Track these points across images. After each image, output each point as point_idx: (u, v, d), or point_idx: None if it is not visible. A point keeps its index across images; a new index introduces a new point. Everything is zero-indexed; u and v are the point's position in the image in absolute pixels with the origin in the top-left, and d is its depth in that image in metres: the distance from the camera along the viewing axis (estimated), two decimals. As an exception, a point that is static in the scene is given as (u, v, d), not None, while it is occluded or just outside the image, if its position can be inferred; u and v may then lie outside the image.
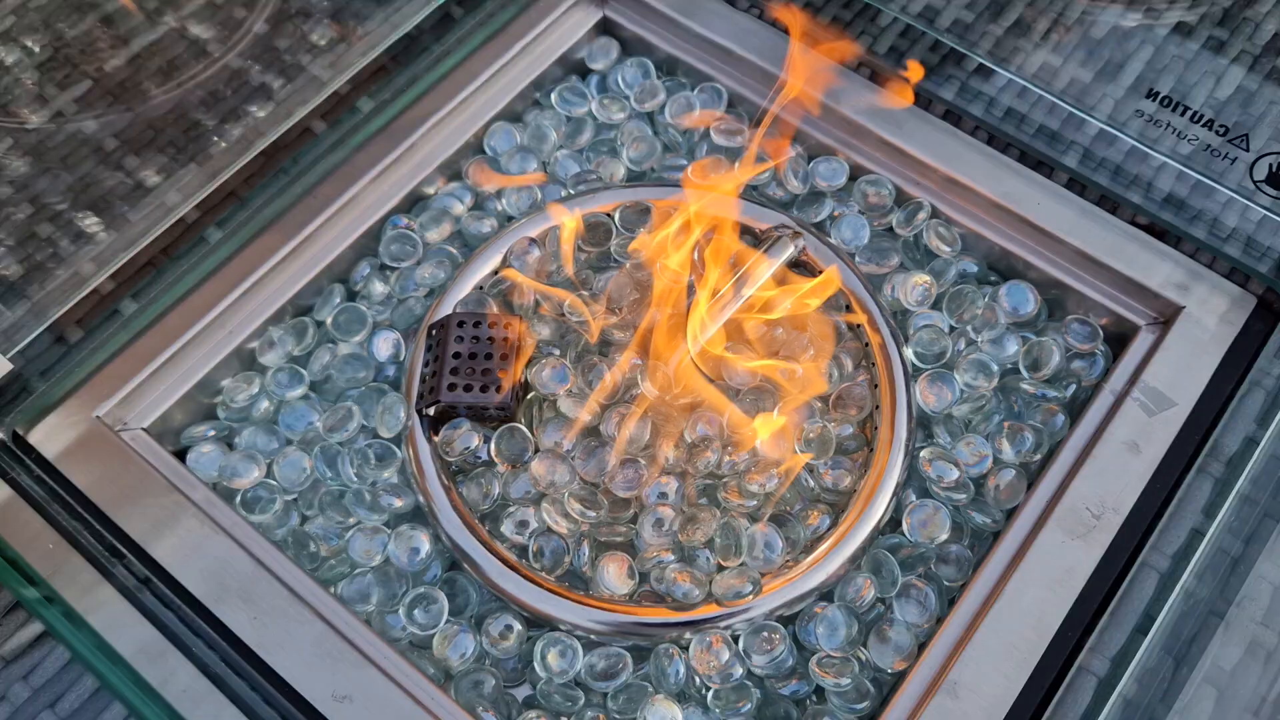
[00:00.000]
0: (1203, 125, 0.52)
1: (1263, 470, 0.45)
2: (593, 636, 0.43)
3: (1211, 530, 0.43)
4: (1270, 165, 0.51)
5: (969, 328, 0.50)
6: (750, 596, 0.42)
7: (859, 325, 0.48)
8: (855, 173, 0.54)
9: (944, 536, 0.45)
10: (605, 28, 0.58)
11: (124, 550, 0.43)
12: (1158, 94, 0.54)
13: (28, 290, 0.47)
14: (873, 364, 0.48)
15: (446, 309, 0.48)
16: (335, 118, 0.53)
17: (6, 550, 0.42)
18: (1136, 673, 0.41)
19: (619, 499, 0.45)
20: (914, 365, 0.49)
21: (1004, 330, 0.50)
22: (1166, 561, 0.43)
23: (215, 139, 0.52)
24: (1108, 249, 0.49)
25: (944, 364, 0.49)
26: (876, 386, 0.47)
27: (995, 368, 0.48)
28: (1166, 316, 0.48)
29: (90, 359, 0.46)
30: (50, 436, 0.45)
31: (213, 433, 0.48)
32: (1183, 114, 0.53)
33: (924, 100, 0.53)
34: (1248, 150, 0.51)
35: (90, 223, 0.50)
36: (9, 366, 0.44)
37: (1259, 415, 0.45)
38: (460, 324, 0.47)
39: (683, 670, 0.42)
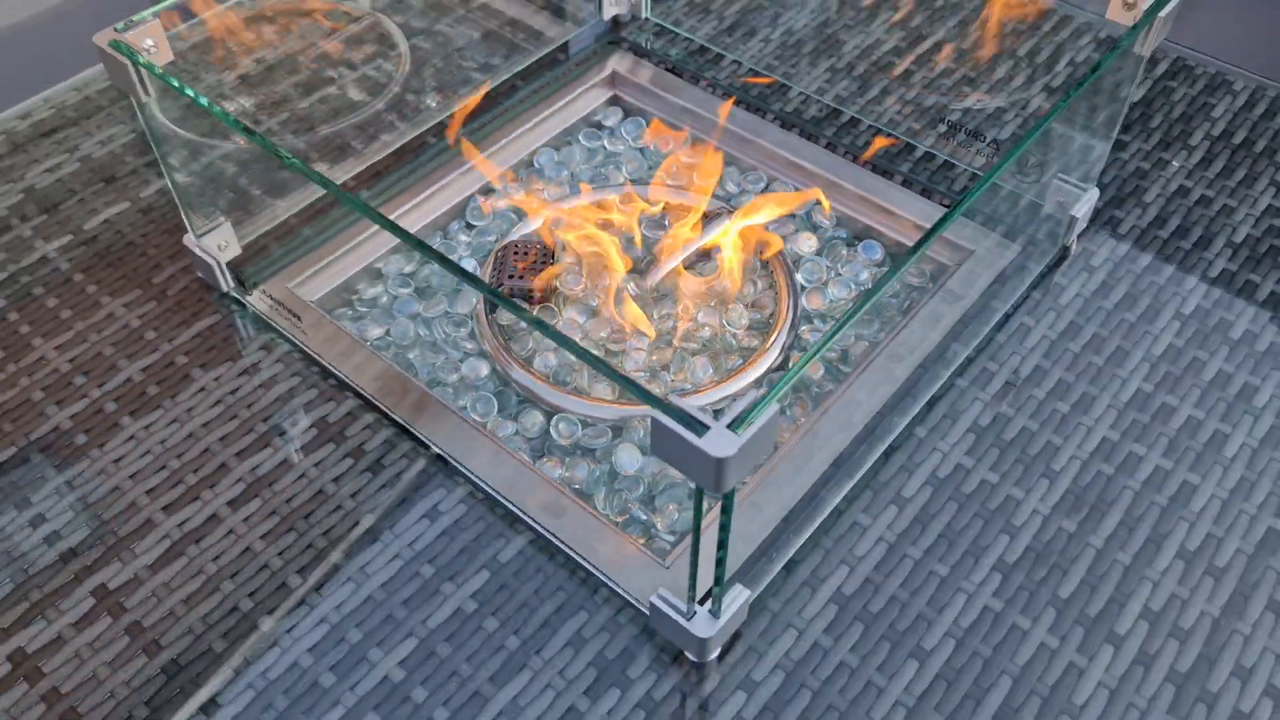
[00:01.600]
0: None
1: (1000, 343, 0.70)
2: (587, 418, 0.68)
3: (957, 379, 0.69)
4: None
5: (839, 265, 0.77)
6: (685, 394, 0.68)
7: (769, 260, 0.76)
8: (770, 179, 0.83)
9: (819, 375, 0.71)
10: (614, 100, 0.90)
11: (315, 357, 0.69)
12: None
13: (266, 204, 0.76)
14: (775, 282, 0.75)
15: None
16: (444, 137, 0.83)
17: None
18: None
19: (609, 350, 0.72)
20: (803, 285, 0.76)
21: (860, 266, 0.77)
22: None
23: (373, 143, 0.82)
24: (920, 227, 0.77)
25: (822, 284, 0.76)
26: (776, 294, 0.74)
27: (853, 287, 0.76)
28: (962, 259, 0.76)
29: (293, 252, 0.75)
30: (261, 297, 0.73)
31: (359, 309, 0.75)
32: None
33: (807, 134, 0.83)
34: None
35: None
36: (239, 251, 0.73)
37: (1014, 304, 0.72)
38: (515, 250, 0.76)
39: (642, 434, 0.68)
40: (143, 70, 0.60)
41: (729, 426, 0.42)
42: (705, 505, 0.47)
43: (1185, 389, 0.67)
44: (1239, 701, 0.54)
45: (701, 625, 0.53)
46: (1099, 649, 0.56)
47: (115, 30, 0.60)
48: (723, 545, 0.48)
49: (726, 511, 0.46)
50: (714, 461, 0.41)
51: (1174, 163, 0.81)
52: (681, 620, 0.53)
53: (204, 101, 0.59)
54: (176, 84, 0.59)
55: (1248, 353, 0.69)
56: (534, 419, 0.69)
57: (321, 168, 0.82)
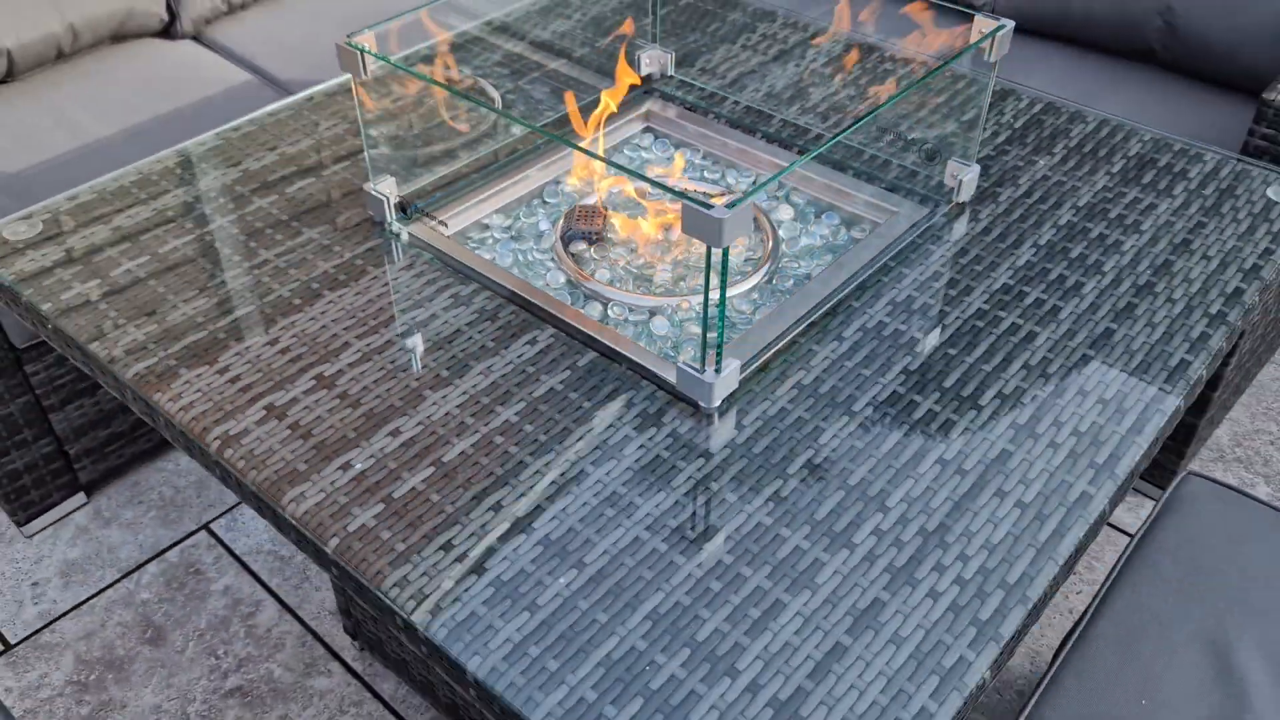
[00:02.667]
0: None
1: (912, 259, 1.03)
2: (630, 305, 1.00)
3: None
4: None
5: (807, 225, 1.11)
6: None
7: (759, 221, 1.10)
8: (756, 175, 1.18)
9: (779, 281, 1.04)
10: (648, 128, 1.26)
11: (447, 259, 1.02)
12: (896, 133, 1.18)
13: (417, 167, 1.11)
14: (765, 235, 1.09)
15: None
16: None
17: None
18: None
19: (644, 272, 1.05)
20: (782, 238, 1.10)
21: (823, 226, 1.11)
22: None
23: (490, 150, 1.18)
24: (866, 203, 1.11)
25: (795, 238, 1.10)
26: (764, 241, 1.08)
27: (818, 238, 1.09)
28: (889, 216, 1.09)
29: (435, 202, 1.09)
30: (417, 226, 1.06)
31: (475, 242, 1.09)
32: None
33: (786, 146, 1.18)
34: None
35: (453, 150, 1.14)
36: (398, 196, 1.07)
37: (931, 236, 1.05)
38: (579, 212, 1.10)
39: (668, 312, 1.00)
40: (364, 55, 0.95)
41: (726, 206, 0.75)
42: (713, 281, 0.80)
43: (1047, 281, 0.99)
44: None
45: (710, 378, 0.84)
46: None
47: (347, 38, 0.96)
48: (721, 300, 0.80)
49: (724, 266, 0.78)
50: (717, 223, 0.74)
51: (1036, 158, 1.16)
52: (697, 374, 0.84)
53: (405, 68, 0.94)
54: (386, 59, 0.95)
55: (1081, 265, 1.01)
56: (595, 308, 1.02)
57: (466, 152, 1.17)
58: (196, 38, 1.94)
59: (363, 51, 0.95)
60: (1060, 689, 0.95)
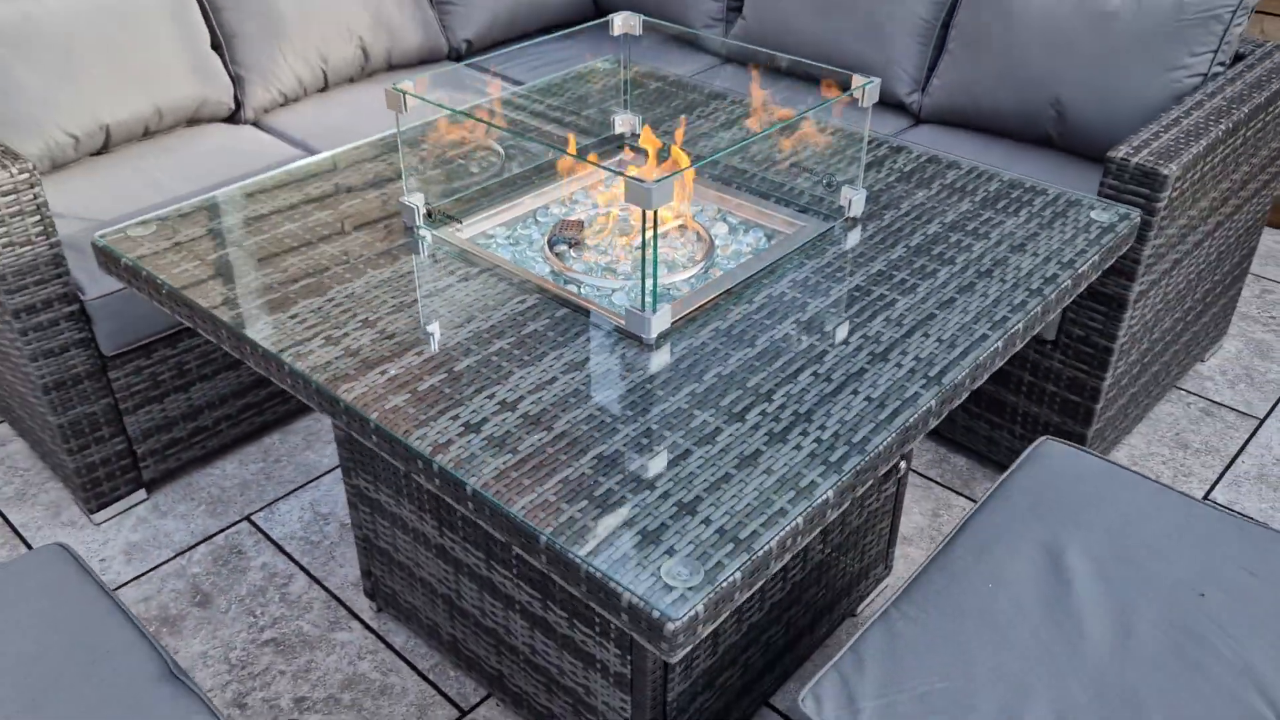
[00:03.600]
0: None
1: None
2: (597, 286, 1.33)
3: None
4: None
5: (738, 236, 1.44)
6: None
7: (698, 232, 1.43)
8: (702, 208, 1.52)
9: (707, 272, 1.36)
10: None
11: (474, 256, 1.36)
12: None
13: (445, 185, 1.45)
14: (703, 241, 1.42)
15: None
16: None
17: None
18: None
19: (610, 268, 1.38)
20: (717, 244, 1.42)
21: (749, 239, 1.44)
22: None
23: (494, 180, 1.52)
24: (783, 221, 1.45)
25: (727, 246, 1.43)
26: (704, 247, 1.41)
27: (745, 246, 1.42)
28: (795, 229, 1.42)
29: (474, 204, 1.42)
30: (441, 230, 1.40)
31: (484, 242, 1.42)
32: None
33: (726, 183, 1.52)
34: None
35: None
36: (425, 207, 1.40)
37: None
38: (565, 224, 1.43)
39: (625, 291, 1.32)
40: (404, 96, 1.31)
41: (655, 181, 1.08)
42: (647, 237, 1.12)
43: (912, 268, 1.32)
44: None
45: (648, 314, 1.16)
46: (839, 347, 1.18)
47: (394, 86, 1.32)
48: (655, 252, 1.13)
49: (655, 227, 1.11)
50: (648, 191, 1.07)
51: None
52: (638, 313, 1.16)
53: (431, 101, 1.29)
54: (421, 97, 1.30)
55: (940, 259, 1.34)
56: (572, 289, 1.34)
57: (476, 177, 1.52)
58: (256, 123, 2.33)
59: (404, 94, 1.31)
60: (927, 578, 1.23)
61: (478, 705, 1.58)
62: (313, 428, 2.14)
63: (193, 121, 2.24)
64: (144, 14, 2.10)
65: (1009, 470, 1.39)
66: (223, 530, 1.91)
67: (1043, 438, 1.45)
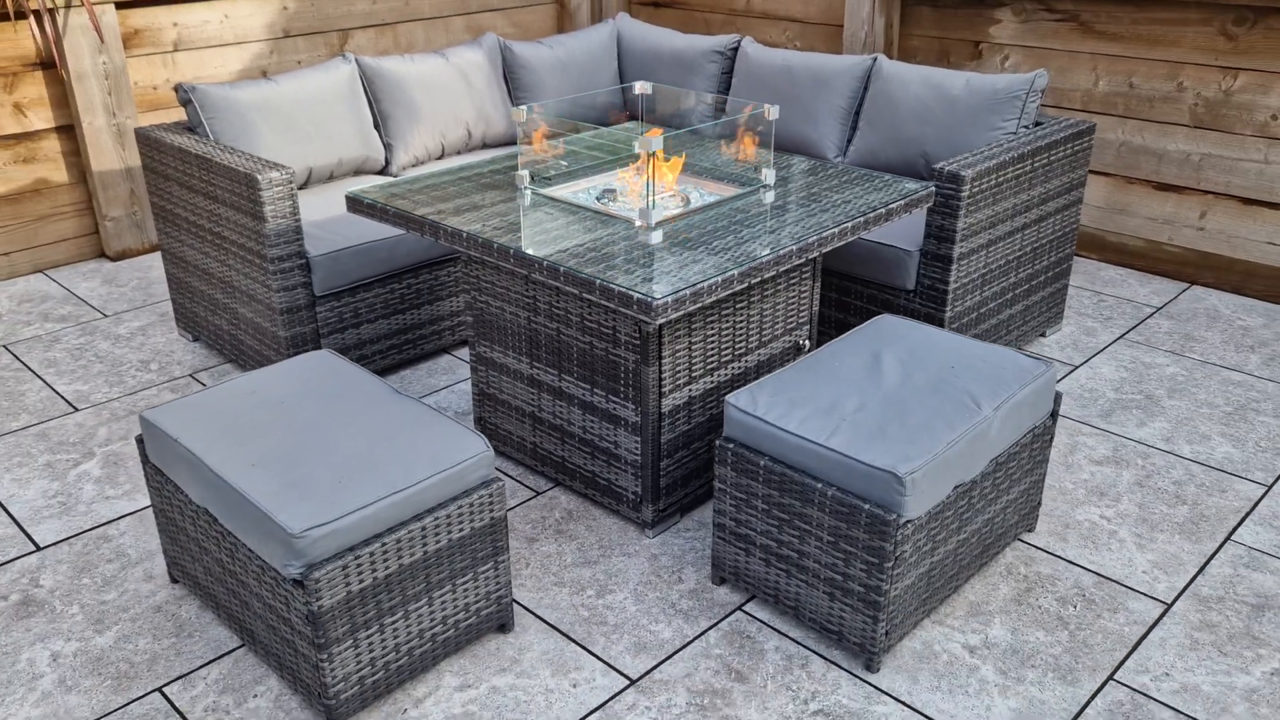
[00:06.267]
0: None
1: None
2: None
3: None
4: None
5: (704, 197, 2.53)
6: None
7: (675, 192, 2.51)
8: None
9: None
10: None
11: (558, 201, 2.44)
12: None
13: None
14: (688, 202, 2.50)
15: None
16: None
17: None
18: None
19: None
20: (694, 203, 2.50)
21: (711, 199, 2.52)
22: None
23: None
24: (733, 192, 2.53)
25: (701, 203, 2.51)
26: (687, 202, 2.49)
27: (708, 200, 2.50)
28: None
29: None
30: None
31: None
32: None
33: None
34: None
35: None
36: (530, 174, 2.49)
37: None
38: (604, 191, 2.52)
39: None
40: (527, 112, 2.42)
41: (654, 139, 2.17)
42: (651, 173, 2.20)
43: (810, 207, 2.38)
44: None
45: (650, 207, 2.23)
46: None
47: (515, 104, 2.43)
48: (652, 185, 2.21)
49: (651, 170, 2.19)
50: (649, 141, 2.16)
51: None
52: (646, 211, 2.23)
53: (537, 114, 2.41)
54: (530, 107, 2.41)
55: (826, 206, 2.41)
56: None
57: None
58: (397, 176, 3.48)
59: (528, 109, 2.42)
60: (804, 360, 2.26)
61: (549, 489, 2.57)
62: (434, 366, 3.19)
63: (359, 171, 3.39)
64: (334, 100, 3.28)
65: (858, 327, 2.43)
66: (379, 414, 2.94)
67: (884, 314, 2.48)
